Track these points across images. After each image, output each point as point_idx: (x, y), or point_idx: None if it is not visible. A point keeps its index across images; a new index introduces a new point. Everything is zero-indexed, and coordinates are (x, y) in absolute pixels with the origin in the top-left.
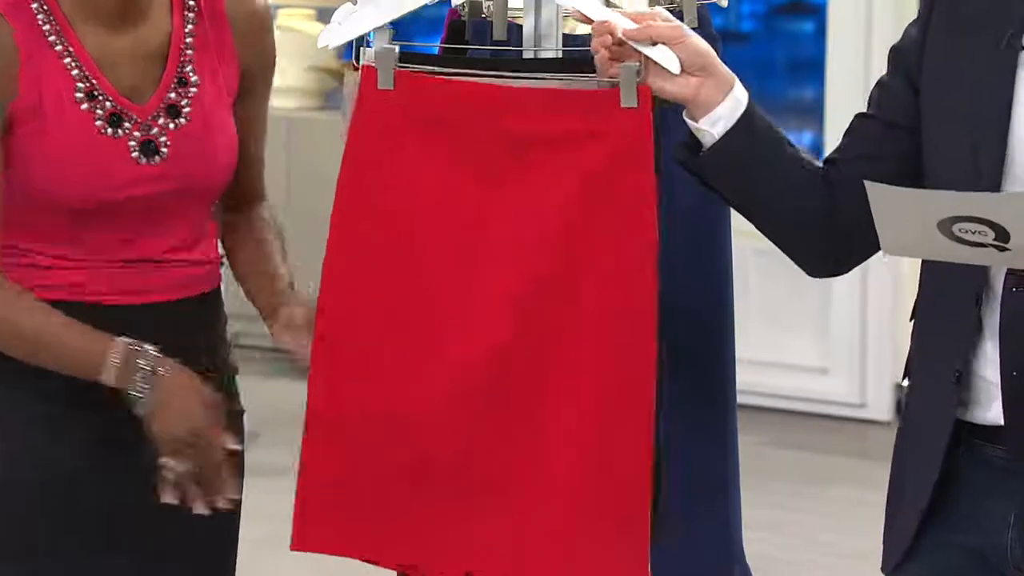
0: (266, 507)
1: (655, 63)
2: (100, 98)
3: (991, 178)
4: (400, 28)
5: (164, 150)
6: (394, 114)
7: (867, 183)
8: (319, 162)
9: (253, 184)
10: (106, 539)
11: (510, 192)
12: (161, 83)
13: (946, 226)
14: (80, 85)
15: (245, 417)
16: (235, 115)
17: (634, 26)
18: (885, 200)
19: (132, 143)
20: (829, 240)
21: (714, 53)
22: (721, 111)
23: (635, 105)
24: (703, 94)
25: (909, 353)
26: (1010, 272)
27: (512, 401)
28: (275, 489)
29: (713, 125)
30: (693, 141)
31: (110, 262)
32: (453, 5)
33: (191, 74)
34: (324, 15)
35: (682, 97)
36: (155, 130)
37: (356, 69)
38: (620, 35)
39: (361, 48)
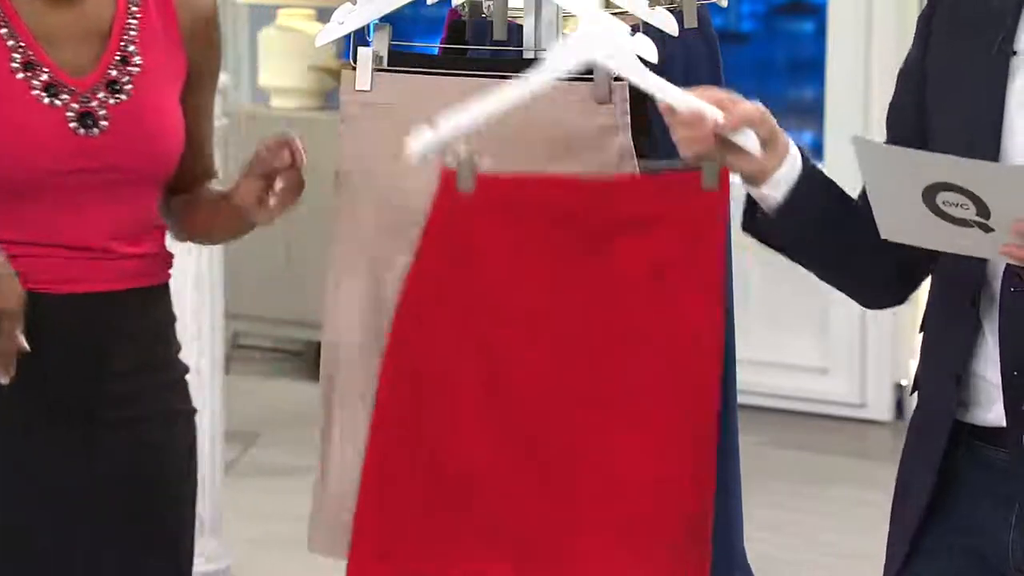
0: (264, 507)
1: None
2: (37, 69)
3: None
4: (400, 28)
5: (103, 123)
6: (472, 213)
7: (853, 138)
8: (318, 161)
9: (206, 168)
10: (62, 512)
11: (586, 281)
12: (102, 60)
13: (931, 197)
14: (16, 56)
15: (204, 416)
16: (184, 105)
17: (722, 117)
18: (871, 157)
19: (70, 114)
20: (886, 275)
21: (775, 121)
22: (780, 175)
23: (716, 188)
24: (768, 164)
25: (917, 366)
26: (1008, 272)
27: (570, 476)
28: (275, 489)
29: (775, 189)
30: (750, 205)
31: (52, 248)
32: (453, 5)
33: (134, 55)
34: (324, 15)
35: (753, 172)
36: (94, 103)
37: (353, 68)
38: (711, 128)
39: (359, 47)
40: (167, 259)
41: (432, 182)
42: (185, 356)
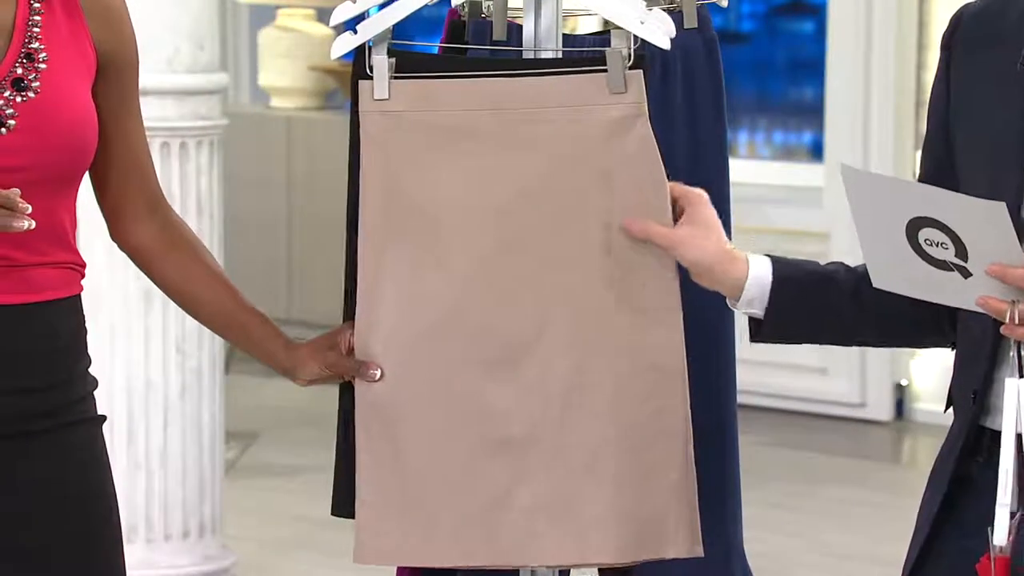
0: (264, 507)
1: None
2: None
3: (1012, 202)
4: (399, 28)
5: (11, 122)
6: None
7: (842, 167)
8: (319, 162)
9: (145, 182)
10: None
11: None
12: (6, 58)
13: (914, 234)
14: None
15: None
16: (104, 103)
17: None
18: (859, 186)
19: None
20: (929, 324)
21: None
22: (747, 297)
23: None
24: (715, 280)
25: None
26: None
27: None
28: (276, 489)
29: (750, 308)
30: (751, 321)
31: None
32: (453, 5)
33: (40, 51)
34: (324, 15)
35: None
36: (0, 103)
37: (370, 77)
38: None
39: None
40: (79, 270)
41: (465, 189)
42: (185, 355)
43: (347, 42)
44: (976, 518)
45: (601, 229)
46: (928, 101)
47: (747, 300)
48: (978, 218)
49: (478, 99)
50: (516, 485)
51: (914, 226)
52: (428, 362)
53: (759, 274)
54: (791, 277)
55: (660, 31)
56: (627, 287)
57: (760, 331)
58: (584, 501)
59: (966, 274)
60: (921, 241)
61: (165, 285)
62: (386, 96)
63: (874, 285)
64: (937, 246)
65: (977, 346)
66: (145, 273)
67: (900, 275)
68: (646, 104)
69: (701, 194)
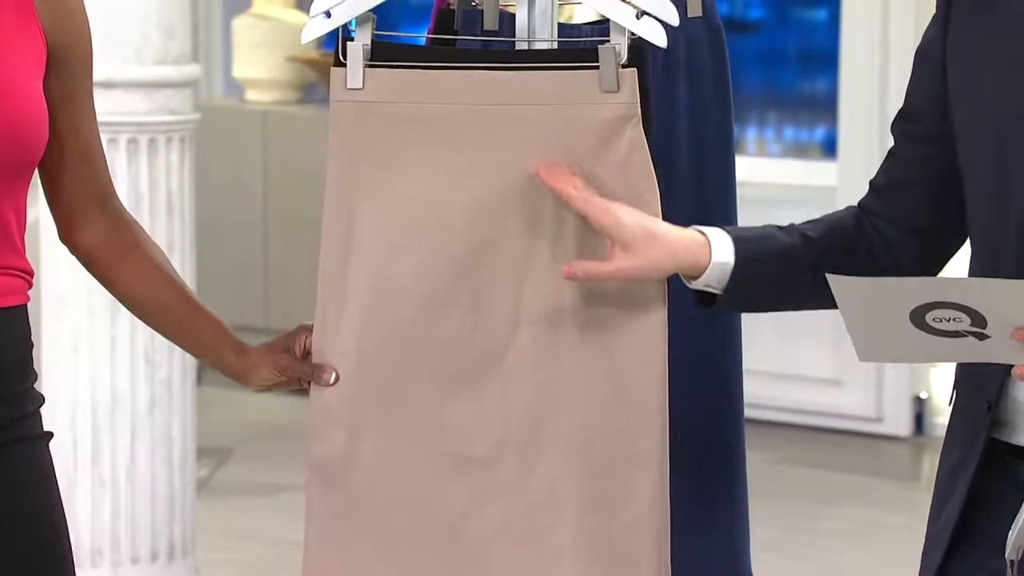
0: (238, 528)
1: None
2: None
3: (1019, 184)
4: (384, 17)
5: None
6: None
7: (829, 276)
8: (298, 158)
9: (98, 181)
10: None
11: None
12: None
13: (919, 317)
14: None
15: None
16: (54, 94)
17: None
18: (850, 293)
19: None
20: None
21: (654, 230)
22: (705, 279)
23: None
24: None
25: (954, 380)
26: None
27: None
28: (250, 509)
29: (704, 286)
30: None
31: None
32: None
33: None
34: (303, 2)
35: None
36: None
37: (343, 64)
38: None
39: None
40: (25, 277)
41: (440, 187)
42: (155, 366)
43: (319, 25)
44: (994, 535)
45: (582, 237)
46: (917, 52)
47: (703, 283)
48: (1002, 297)
49: (458, 92)
50: (474, 509)
51: (920, 312)
52: (388, 371)
53: (721, 260)
54: (753, 258)
55: (657, 29)
56: (606, 303)
57: (709, 304)
58: (543, 531)
59: (982, 337)
60: (929, 320)
61: (114, 288)
62: (359, 85)
63: (860, 360)
64: (949, 321)
65: None
66: (93, 275)
67: (897, 349)
68: (639, 105)
69: (600, 205)
